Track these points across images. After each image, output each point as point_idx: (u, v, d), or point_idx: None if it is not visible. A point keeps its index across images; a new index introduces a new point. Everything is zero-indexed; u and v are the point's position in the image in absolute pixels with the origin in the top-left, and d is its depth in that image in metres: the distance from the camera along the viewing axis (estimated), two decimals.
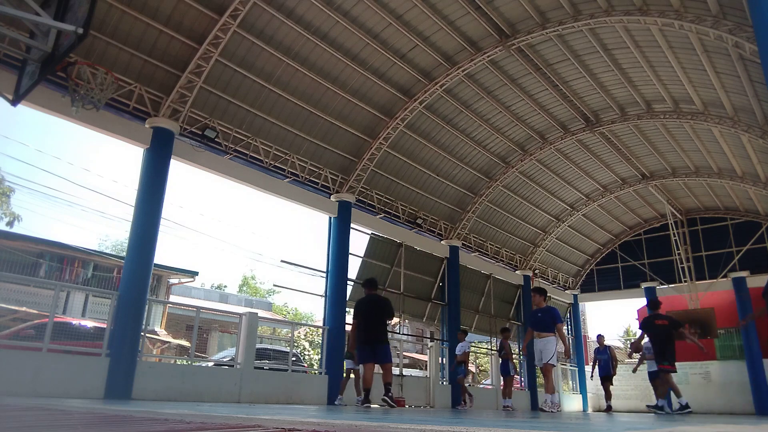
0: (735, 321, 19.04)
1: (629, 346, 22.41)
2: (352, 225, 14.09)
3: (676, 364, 9.31)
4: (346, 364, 10.41)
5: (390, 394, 7.68)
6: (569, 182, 19.05)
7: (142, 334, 9.54)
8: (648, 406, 11.39)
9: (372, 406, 7.82)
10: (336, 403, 10.20)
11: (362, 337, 7.88)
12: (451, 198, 17.15)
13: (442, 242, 17.33)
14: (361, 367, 8.47)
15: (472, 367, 32.30)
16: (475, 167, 16.78)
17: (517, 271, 20.64)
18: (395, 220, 15.77)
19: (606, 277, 23.33)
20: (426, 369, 15.29)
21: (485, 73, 13.85)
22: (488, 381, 26.52)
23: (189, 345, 13.69)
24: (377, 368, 8.27)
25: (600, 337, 14.58)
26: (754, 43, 9.20)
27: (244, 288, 43.31)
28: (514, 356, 13.89)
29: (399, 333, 25.57)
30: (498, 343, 14.50)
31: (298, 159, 13.12)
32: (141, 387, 8.82)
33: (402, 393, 13.59)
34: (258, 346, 11.91)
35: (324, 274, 13.57)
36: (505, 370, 12.80)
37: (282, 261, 57.28)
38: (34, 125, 63.16)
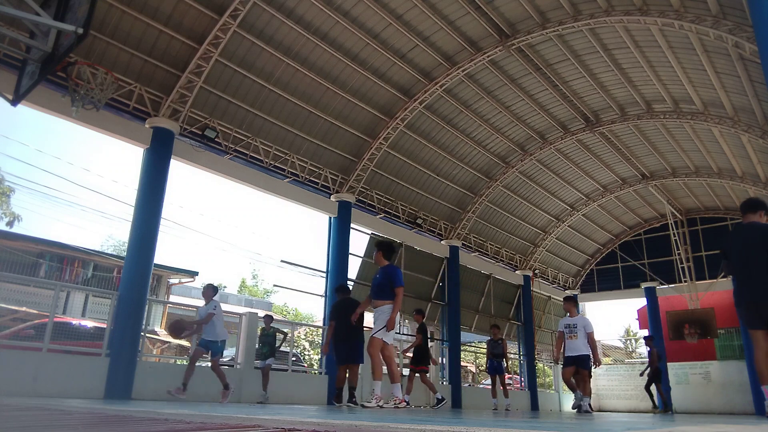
0: (735, 321, 19.02)
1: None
2: (352, 225, 14.09)
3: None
4: (263, 362, 10.49)
5: (354, 399, 7.82)
6: (569, 182, 19.05)
7: (142, 334, 9.55)
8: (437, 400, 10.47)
9: (344, 405, 7.88)
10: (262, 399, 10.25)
11: (340, 336, 8.05)
12: (451, 198, 17.15)
13: (442, 242, 17.33)
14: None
15: (472, 368, 32.29)
16: (475, 167, 16.78)
17: (517, 271, 20.64)
18: (395, 220, 15.77)
19: (606, 277, 23.32)
20: None
21: (485, 73, 13.85)
22: (489, 381, 26.55)
23: (189, 345, 13.68)
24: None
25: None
26: (754, 43, 9.19)
27: (242, 289, 43.26)
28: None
29: (399, 333, 25.54)
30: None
31: (298, 159, 13.12)
32: (141, 387, 8.83)
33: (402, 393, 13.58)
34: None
35: (324, 274, 13.59)
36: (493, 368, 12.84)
37: (282, 261, 57.41)
38: (34, 125, 63.23)
